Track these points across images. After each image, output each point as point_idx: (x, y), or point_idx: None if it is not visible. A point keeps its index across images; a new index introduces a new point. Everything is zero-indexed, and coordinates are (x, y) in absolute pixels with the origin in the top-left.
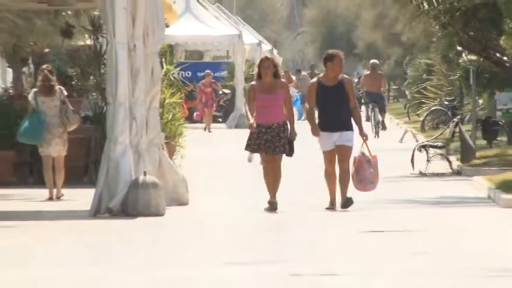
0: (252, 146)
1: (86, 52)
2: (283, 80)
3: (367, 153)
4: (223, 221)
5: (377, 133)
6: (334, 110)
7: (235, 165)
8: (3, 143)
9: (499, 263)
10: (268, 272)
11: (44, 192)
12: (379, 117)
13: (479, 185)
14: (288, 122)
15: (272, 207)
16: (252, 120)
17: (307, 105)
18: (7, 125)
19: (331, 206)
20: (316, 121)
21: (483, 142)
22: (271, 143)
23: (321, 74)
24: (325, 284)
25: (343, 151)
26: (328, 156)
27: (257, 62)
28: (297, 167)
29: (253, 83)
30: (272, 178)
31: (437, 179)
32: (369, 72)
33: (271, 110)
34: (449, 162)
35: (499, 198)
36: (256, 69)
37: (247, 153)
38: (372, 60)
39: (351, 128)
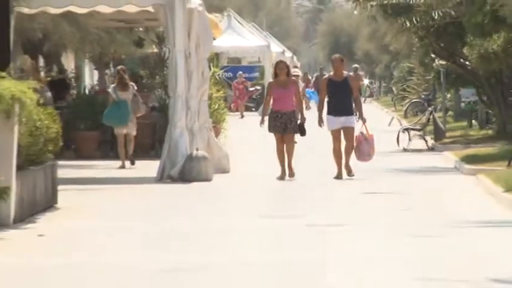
0: (270, 127)
1: (153, 58)
2: (293, 78)
3: (365, 133)
4: (255, 184)
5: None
6: (340, 99)
7: (264, 142)
8: (90, 125)
9: (463, 216)
10: (290, 223)
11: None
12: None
13: (448, 158)
14: (297, 110)
15: (281, 178)
16: (263, 120)
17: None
18: (93, 112)
19: (338, 176)
20: (325, 110)
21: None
22: (284, 125)
23: (331, 73)
24: (333, 232)
25: (348, 131)
26: (334, 134)
27: (275, 63)
28: (310, 144)
29: (271, 80)
30: (282, 156)
31: (416, 153)
32: (352, 73)
33: (284, 101)
34: (426, 141)
35: (462, 168)
36: (273, 70)
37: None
38: (354, 65)
39: (352, 113)
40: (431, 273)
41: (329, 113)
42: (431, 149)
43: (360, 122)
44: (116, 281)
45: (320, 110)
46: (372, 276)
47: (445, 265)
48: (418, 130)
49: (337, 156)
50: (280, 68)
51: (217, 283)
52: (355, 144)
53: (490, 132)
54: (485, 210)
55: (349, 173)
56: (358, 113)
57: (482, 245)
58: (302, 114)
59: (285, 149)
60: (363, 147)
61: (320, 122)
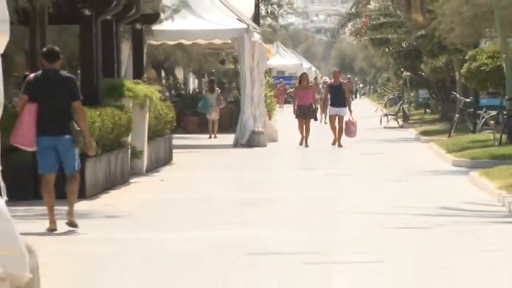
0: (297, 114)
1: (231, 71)
2: (311, 84)
3: (352, 120)
4: (291, 148)
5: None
6: (336, 97)
7: (295, 122)
8: (192, 113)
9: (421, 167)
10: (312, 173)
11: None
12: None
13: (411, 132)
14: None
15: (300, 144)
16: (294, 109)
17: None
18: (194, 104)
19: (334, 143)
20: (329, 102)
21: (413, 112)
22: (304, 114)
23: (332, 80)
24: (341, 179)
25: (340, 118)
26: (332, 118)
27: (300, 74)
28: (318, 126)
29: (297, 85)
30: (302, 130)
31: (391, 130)
32: (346, 81)
33: (305, 98)
34: (397, 122)
35: (420, 138)
36: (299, 78)
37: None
38: (348, 76)
39: (344, 106)
40: (400, 202)
41: (330, 105)
42: (401, 127)
43: (351, 112)
44: (213, 207)
45: (325, 104)
46: (365, 202)
47: (410, 197)
48: (393, 115)
49: (333, 129)
50: (303, 78)
51: (269, 210)
52: (344, 126)
53: (436, 116)
54: (435, 164)
55: (340, 145)
56: (348, 107)
57: (434, 185)
58: (315, 107)
59: (304, 128)
60: (349, 128)
61: (325, 109)
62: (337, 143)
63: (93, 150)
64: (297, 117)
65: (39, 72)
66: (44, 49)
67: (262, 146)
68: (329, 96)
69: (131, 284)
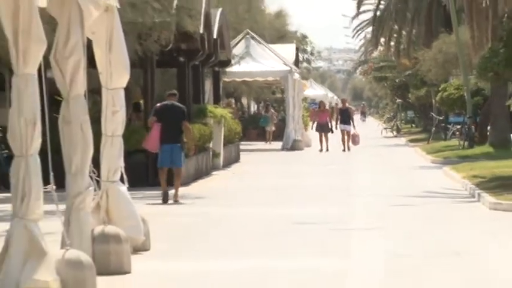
0: (316, 129)
1: (280, 99)
2: (327, 108)
3: (356, 132)
4: (320, 153)
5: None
6: (344, 118)
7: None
8: (254, 127)
9: (408, 164)
10: (334, 168)
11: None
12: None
13: (402, 140)
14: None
15: (320, 150)
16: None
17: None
18: (254, 121)
19: (344, 150)
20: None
21: (403, 127)
22: (322, 128)
23: (341, 105)
24: (353, 172)
25: (347, 132)
26: (341, 132)
27: (319, 102)
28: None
29: (317, 109)
30: (321, 141)
31: (388, 139)
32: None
33: (322, 118)
34: (393, 133)
35: (408, 144)
36: (318, 104)
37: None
38: (342, 98)
39: (350, 124)
40: (395, 187)
41: (340, 123)
42: (395, 136)
43: (355, 127)
44: (268, 191)
45: (336, 121)
46: (370, 187)
47: (402, 184)
48: (389, 128)
49: (342, 140)
50: (321, 104)
51: (305, 192)
52: (350, 138)
53: (419, 129)
54: (418, 161)
55: (349, 149)
56: (352, 124)
57: (418, 176)
58: (331, 125)
59: (323, 139)
60: (354, 139)
61: (336, 126)
62: (346, 149)
63: (192, 152)
64: (316, 131)
65: (163, 103)
66: (168, 91)
67: (300, 150)
68: (339, 117)
69: (211, 242)
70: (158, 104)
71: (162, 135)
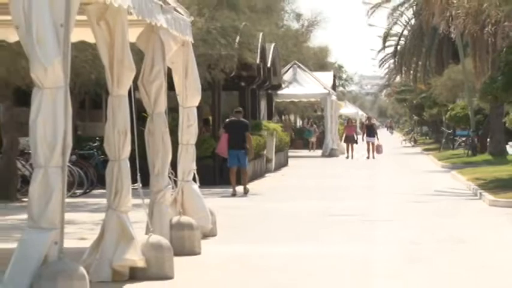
0: (345, 140)
1: (320, 116)
2: (354, 124)
3: (379, 143)
4: (351, 159)
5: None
6: (369, 131)
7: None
8: (299, 137)
9: (422, 168)
10: (362, 172)
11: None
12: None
13: (418, 149)
14: (355, 135)
15: (347, 157)
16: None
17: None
18: (300, 133)
19: (368, 157)
20: (365, 134)
21: (419, 138)
22: (350, 140)
23: (367, 121)
24: (377, 175)
25: (372, 143)
26: (367, 143)
27: (347, 119)
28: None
29: (345, 124)
30: (348, 150)
31: (407, 148)
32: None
33: (350, 132)
34: (411, 143)
35: (423, 152)
36: (347, 121)
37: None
38: (367, 116)
39: (374, 136)
40: (412, 187)
41: (366, 136)
42: (412, 146)
43: (378, 139)
44: (310, 189)
45: (362, 134)
46: (391, 187)
47: (417, 184)
48: (408, 140)
49: (367, 150)
50: (349, 120)
51: (337, 192)
52: (375, 148)
53: (432, 140)
54: (431, 166)
55: (374, 157)
56: (376, 136)
57: (431, 177)
58: (355, 137)
59: (349, 148)
60: (378, 149)
61: (362, 138)
62: (371, 157)
63: (251, 156)
64: (344, 141)
65: (231, 118)
66: (235, 109)
67: (336, 157)
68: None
69: (264, 229)
70: (227, 120)
71: (230, 143)
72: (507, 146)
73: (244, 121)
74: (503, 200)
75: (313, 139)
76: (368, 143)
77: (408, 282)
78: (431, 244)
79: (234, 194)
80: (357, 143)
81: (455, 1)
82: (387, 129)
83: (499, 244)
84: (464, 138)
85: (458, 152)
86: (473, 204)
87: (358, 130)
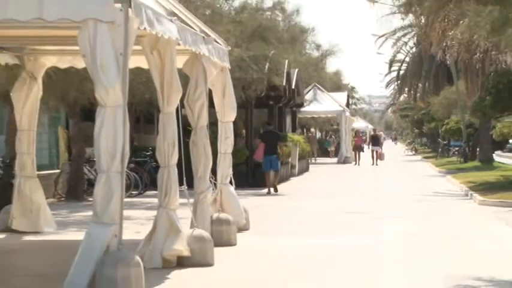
0: (353, 149)
1: (336, 129)
2: (361, 135)
3: (382, 152)
4: (360, 166)
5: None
6: (374, 141)
7: (368, 152)
8: (319, 147)
9: (421, 173)
10: (369, 177)
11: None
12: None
13: (418, 157)
14: (362, 145)
15: (355, 164)
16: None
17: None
18: (321, 144)
19: (372, 163)
20: (370, 144)
21: (419, 148)
22: (358, 148)
23: (373, 132)
24: (382, 180)
25: (376, 151)
26: (372, 151)
27: (355, 131)
28: (365, 155)
29: (354, 135)
30: (355, 158)
31: (409, 156)
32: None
33: (358, 142)
34: (412, 152)
35: (422, 160)
36: (355, 132)
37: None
38: (373, 128)
39: (378, 145)
40: (412, 188)
41: (371, 145)
42: (413, 154)
43: (382, 148)
44: (327, 191)
45: (368, 143)
46: (395, 189)
47: (417, 186)
48: (410, 149)
49: (372, 157)
50: (357, 132)
51: (350, 194)
52: (379, 155)
53: (430, 150)
54: (429, 171)
55: (377, 164)
56: (380, 146)
57: (428, 181)
58: (362, 147)
59: (357, 157)
60: (381, 156)
61: (368, 147)
62: (375, 163)
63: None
64: (353, 150)
65: (266, 130)
66: (267, 122)
67: (349, 163)
68: (371, 141)
69: (289, 224)
70: (262, 131)
71: (265, 150)
72: (494, 155)
73: (276, 132)
74: (490, 200)
75: (332, 148)
76: (373, 151)
77: (411, 267)
78: (428, 235)
79: (268, 193)
80: (363, 151)
81: (450, 33)
82: (392, 141)
83: (487, 237)
84: (457, 148)
85: (452, 160)
86: (465, 203)
87: (366, 139)
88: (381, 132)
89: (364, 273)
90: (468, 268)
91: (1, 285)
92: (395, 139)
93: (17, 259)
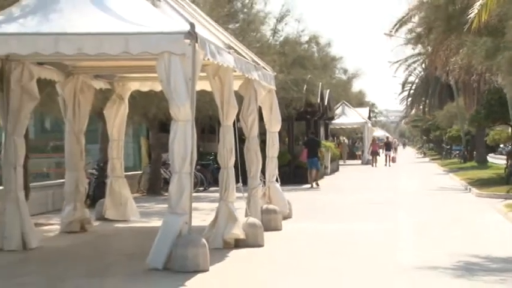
0: (371, 154)
1: (360, 137)
2: (377, 142)
3: (395, 155)
4: (376, 167)
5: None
6: (388, 147)
7: (382, 157)
8: (347, 151)
9: (431, 172)
10: (385, 175)
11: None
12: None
13: (427, 159)
14: (378, 150)
15: (371, 165)
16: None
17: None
18: (349, 149)
19: (385, 164)
20: (384, 149)
21: (428, 152)
22: (375, 153)
23: (386, 139)
24: (396, 178)
25: (389, 155)
26: (385, 156)
27: (371, 138)
28: (380, 159)
29: (371, 142)
30: (372, 162)
31: (419, 158)
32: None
33: (374, 148)
34: (422, 155)
35: (432, 162)
36: (371, 140)
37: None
38: (386, 136)
39: (390, 150)
40: (421, 185)
41: (385, 150)
42: (423, 157)
43: (395, 153)
44: (354, 187)
45: (382, 149)
46: (407, 185)
47: (424, 183)
48: (420, 153)
49: (386, 161)
50: (373, 139)
51: (371, 190)
52: (391, 158)
53: (436, 153)
54: (436, 170)
55: (390, 166)
56: (393, 151)
57: (435, 178)
58: (378, 152)
59: (374, 160)
60: (394, 159)
61: (383, 151)
62: (387, 165)
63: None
64: (370, 154)
65: (309, 137)
66: (311, 131)
67: (370, 165)
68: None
69: (325, 213)
70: (306, 138)
71: (308, 153)
72: (487, 157)
73: (317, 139)
74: (485, 193)
75: (359, 152)
76: (386, 155)
77: (422, 246)
78: (435, 221)
79: (311, 187)
80: (379, 155)
81: (452, 59)
82: (402, 146)
83: (483, 222)
84: (458, 151)
85: (454, 161)
86: (464, 195)
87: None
88: (395, 140)
89: (385, 252)
90: (468, 247)
91: (99, 260)
92: (404, 144)
93: (110, 241)
